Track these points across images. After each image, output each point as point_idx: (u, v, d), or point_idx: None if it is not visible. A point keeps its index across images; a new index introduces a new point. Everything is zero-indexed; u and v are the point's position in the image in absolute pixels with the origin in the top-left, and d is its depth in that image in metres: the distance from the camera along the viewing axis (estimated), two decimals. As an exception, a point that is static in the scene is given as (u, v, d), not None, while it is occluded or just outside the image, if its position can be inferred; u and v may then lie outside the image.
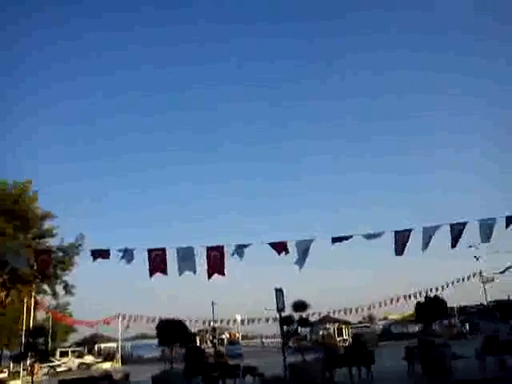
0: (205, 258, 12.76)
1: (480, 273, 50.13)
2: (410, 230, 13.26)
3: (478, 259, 49.59)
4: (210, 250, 12.80)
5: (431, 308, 14.65)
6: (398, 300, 52.81)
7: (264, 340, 61.64)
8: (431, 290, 51.34)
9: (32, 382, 15.41)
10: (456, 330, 48.86)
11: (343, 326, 53.74)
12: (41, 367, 33.15)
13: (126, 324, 46.88)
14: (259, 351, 46.14)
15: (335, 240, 13.24)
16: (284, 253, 12.99)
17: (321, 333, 54.04)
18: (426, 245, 13.07)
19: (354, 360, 14.35)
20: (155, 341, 56.55)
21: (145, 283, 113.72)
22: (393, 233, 13.25)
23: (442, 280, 51.03)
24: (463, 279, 50.63)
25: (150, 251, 12.73)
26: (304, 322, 14.96)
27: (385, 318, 65.55)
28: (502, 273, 48.28)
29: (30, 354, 14.75)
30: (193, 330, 41.55)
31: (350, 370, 14.48)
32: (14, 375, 30.13)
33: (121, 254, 12.64)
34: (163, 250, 12.84)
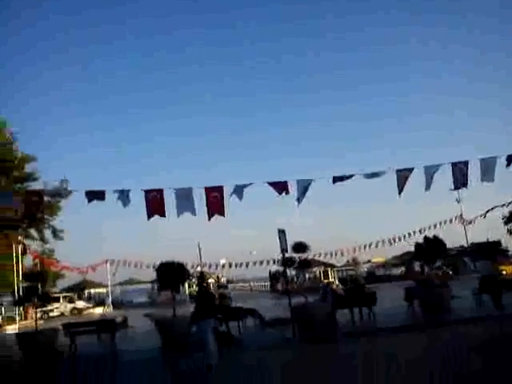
0: (204, 199, 12.31)
1: (461, 215, 50.98)
2: (411, 169, 12.92)
3: (459, 202, 50.46)
4: (209, 190, 12.32)
5: (431, 248, 14.57)
6: (383, 243, 53.72)
7: (252, 283, 62.61)
8: (414, 233, 52.56)
9: (36, 324, 15.16)
10: (441, 271, 50.19)
11: (329, 269, 54.72)
12: (35, 312, 33.15)
13: (114, 269, 46.97)
14: (248, 294, 46.90)
15: (336, 179, 12.89)
16: (284, 192, 12.62)
17: (307, 276, 55.09)
18: (428, 185, 12.82)
19: (356, 301, 14.37)
20: (143, 286, 56.97)
21: (134, 227, 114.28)
22: (394, 171, 12.91)
23: (426, 224, 51.89)
24: (445, 222, 51.45)
25: (147, 192, 12.24)
26: (305, 264, 14.71)
27: (368, 261, 66.97)
28: (483, 216, 49.11)
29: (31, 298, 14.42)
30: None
31: (351, 311, 14.55)
32: (8, 320, 30.10)
33: (117, 196, 12.13)
34: (161, 191, 12.35)
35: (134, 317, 19.87)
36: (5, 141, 28.08)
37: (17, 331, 21.21)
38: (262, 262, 49.21)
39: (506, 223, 52.86)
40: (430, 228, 51.03)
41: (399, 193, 12.82)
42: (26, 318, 31.67)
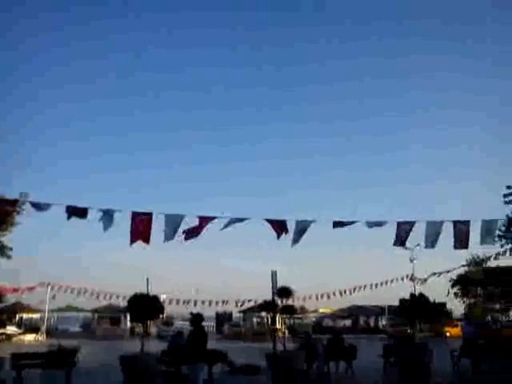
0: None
1: (412, 275, 51.97)
2: (413, 223, 12.63)
3: (412, 261, 51.41)
4: (201, 219, 11.47)
5: (416, 305, 14.21)
6: (334, 294, 53.56)
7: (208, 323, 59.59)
8: (365, 288, 52.91)
9: None
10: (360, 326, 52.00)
11: (277, 316, 53.54)
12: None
13: (52, 294, 44.01)
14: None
15: (336, 224, 12.38)
16: (284, 233, 11.90)
17: (255, 320, 53.74)
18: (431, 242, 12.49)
19: (335, 354, 13.64)
20: (80, 314, 53.31)
21: (73, 252, 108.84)
22: (395, 223, 12.58)
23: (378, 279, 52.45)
24: (397, 279, 52.15)
25: (134, 215, 11.20)
26: (288, 309, 13.95)
27: (315, 311, 66.54)
28: (425, 280, 50.22)
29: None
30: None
31: (327, 365, 13.80)
32: None
33: (100, 215, 11.01)
34: (149, 216, 11.36)
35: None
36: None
37: None
38: (210, 303, 47.64)
39: (452, 286, 54.20)
40: (381, 284, 51.86)
41: (395, 244, 12.48)
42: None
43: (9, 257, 29.20)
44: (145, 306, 11.91)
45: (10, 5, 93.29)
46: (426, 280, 50.25)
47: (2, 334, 36.12)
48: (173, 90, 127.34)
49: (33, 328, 41.47)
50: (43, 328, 40.61)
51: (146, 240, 11.37)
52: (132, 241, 11.23)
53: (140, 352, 12.01)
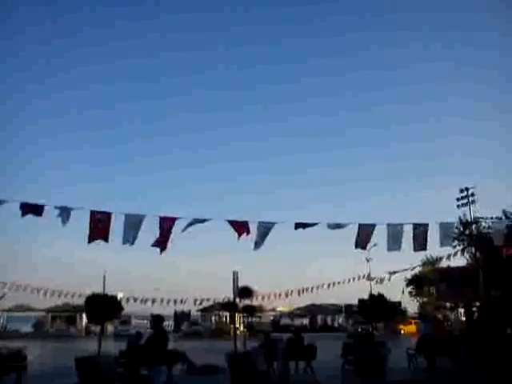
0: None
1: (369, 274, 53.16)
2: (373, 225, 12.84)
3: (368, 261, 52.44)
4: (164, 219, 11.27)
5: (375, 305, 14.49)
6: (291, 293, 54.00)
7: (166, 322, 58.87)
8: (323, 286, 53.72)
9: None
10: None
11: (236, 315, 53.57)
12: None
13: (2, 293, 42.26)
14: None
15: (298, 226, 12.43)
16: (245, 234, 11.84)
17: (213, 319, 53.64)
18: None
19: (296, 354, 13.69)
20: (33, 313, 51.61)
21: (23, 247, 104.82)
22: (356, 225, 12.77)
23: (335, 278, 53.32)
24: (354, 279, 53.16)
25: (92, 213, 10.89)
26: (249, 309, 13.90)
27: (273, 310, 67.04)
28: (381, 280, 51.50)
29: None
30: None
31: (287, 364, 13.84)
32: None
33: (57, 212, 10.65)
34: (108, 215, 11.07)
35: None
36: None
37: None
38: (169, 301, 47.02)
39: (407, 285, 55.79)
40: (339, 283, 52.81)
41: (356, 247, 12.68)
42: None
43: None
44: (102, 306, 11.59)
45: None
46: (382, 280, 51.73)
47: None
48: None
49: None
50: (-8, 329, 39.00)
51: (105, 239, 11.10)
52: (90, 239, 10.95)
53: (96, 353, 11.66)
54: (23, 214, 10.37)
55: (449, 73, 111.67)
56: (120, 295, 49.43)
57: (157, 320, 10.38)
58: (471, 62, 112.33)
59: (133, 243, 11.32)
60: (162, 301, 46.77)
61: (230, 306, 13.35)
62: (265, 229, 12.01)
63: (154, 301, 46.59)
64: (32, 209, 10.44)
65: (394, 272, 49.71)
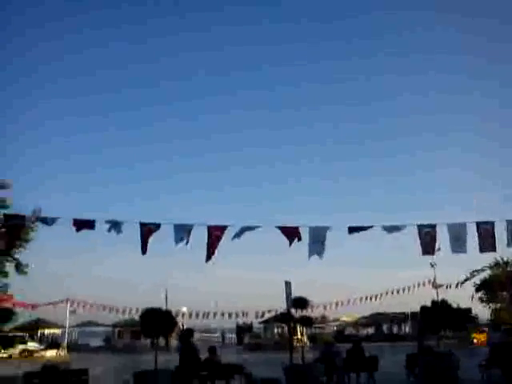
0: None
1: (434, 280, 50.62)
2: (434, 226, 12.01)
3: (432, 266, 50.07)
4: (213, 229, 11.13)
5: (438, 312, 13.54)
6: (354, 302, 52.64)
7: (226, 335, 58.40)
8: (387, 294, 51.86)
9: None
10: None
11: (298, 325, 52.75)
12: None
13: (72, 309, 44.17)
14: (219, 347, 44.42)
15: (352, 230, 11.89)
16: (296, 240, 11.45)
17: (276, 331, 53.08)
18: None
19: (356, 365, 13.05)
20: (101, 328, 53.37)
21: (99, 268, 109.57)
22: (415, 227, 11.98)
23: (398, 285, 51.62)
24: (418, 285, 50.96)
25: (142, 225, 10.95)
26: (306, 320, 13.43)
27: (337, 320, 65.41)
28: (460, 284, 48.56)
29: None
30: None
31: (348, 377, 13.24)
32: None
33: (108, 226, 10.81)
34: (158, 226, 11.10)
35: (93, 363, 17.78)
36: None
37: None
38: (230, 315, 47.21)
39: (477, 291, 52.67)
40: (403, 290, 50.89)
41: (424, 253, 11.87)
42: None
43: (25, 273, 29.19)
44: (156, 321, 11.53)
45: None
46: (449, 287, 49.02)
47: (24, 350, 36.18)
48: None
49: (54, 343, 41.44)
50: (64, 343, 40.58)
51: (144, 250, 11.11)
52: (144, 250, 11.00)
53: (154, 368, 11.61)
54: (78, 230, 10.60)
55: None
56: (184, 309, 50.37)
57: (186, 335, 10.17)
58: None
59: (187, 243, 11.20)
60: (222, 314, 47.38)
61: (286, 318, 12.87)
62: (317, 234, 11.58)
63: (215, 315, 47.26)
64: (84, 224, 10.65)
65: (464, 280, 46.99)
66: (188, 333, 10.75)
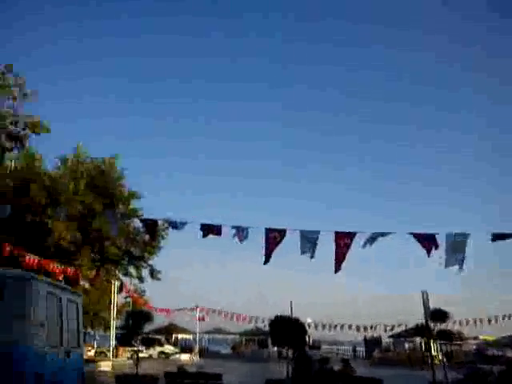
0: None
1: None
2: None
3: None
4: (340, 236, 10.56)
5: None
6: (496, 320, 47.73)
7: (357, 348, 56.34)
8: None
9: (137, 367, 14.17)
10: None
11: (431, 341, 49.22)
12: (124, 350, 33.04)
13: (202, 316, 46.05)
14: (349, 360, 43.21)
15: (497, 237, 10.41)
16: (434, 248, 10.35)
17: (407, 346, 50.32)
18: None
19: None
20: (228, 336, 55.21)
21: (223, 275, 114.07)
22: None
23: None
24: None
25: (268, 231, 10.79)
26: (445, 335, 12.21)
27: (475, 338, 59.93)
28: None
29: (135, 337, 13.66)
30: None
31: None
32: (100, 355, 29.94)
33: (233, 232, 10.84)
34: (283, 232, 10.85)
35: (227, 368, 18.17)
36: (117, 175, 28.68)
37: (110, 369, 20.59)
38: (358, 328, 45.55)
39: None
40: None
41: None
42: (116, 356, 31.32)
43: (158, 279, 31.19)
44: (286, 330, 11.26)
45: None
46: None
47: (161, 352, 38.71)
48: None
49: (187, 348, 43.72)
50: (196, 349, 42.52)
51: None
52: (267, 258, 10.83)
53: (286, 377, 11.40)
54: (204, 235, 10.78)
55: None
56: (309, 320, 49.99)
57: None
58: None
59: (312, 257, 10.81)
60: (350, 327, 45.84)
61: (421, 331, 11.80)
62: (456, 242, 10.36)
63: (342, 327, 45.93)
64: (212, 229, 10.79)
65: None
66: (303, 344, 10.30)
